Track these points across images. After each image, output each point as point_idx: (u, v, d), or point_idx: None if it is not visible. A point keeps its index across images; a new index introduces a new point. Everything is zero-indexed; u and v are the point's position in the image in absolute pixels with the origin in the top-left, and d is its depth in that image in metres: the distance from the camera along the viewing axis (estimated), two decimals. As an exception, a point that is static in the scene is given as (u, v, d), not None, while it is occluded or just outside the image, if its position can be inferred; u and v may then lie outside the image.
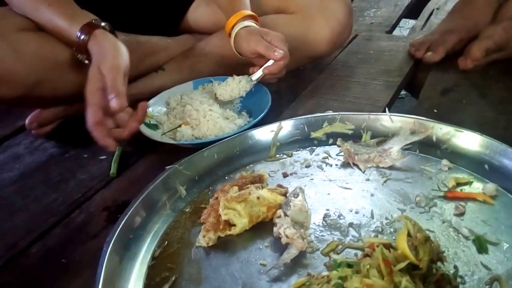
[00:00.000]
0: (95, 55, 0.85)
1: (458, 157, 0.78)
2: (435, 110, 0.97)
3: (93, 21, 0.88)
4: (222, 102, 1.04)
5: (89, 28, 0.87)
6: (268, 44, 0.96)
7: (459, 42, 1.14)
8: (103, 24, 0.89)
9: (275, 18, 1.14)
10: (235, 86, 1.02)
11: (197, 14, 1.22)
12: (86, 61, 0.88)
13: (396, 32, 1.55)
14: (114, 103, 0.78)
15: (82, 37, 0.86)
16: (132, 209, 0.71)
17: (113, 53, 0.84)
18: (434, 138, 0.81)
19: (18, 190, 0.93)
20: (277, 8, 1.16)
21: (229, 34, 1.02)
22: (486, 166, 0.74)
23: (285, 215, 0.67)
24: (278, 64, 0.96)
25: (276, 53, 0.94)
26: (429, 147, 0.81)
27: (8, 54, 0.88)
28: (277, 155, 0.86)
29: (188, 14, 1.22)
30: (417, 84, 1.14)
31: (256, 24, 1.02)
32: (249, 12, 1.02)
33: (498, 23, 1.11)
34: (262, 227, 0.69)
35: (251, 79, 1.01)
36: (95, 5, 0.98)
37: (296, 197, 0.69)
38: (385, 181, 0.76)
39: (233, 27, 1.01)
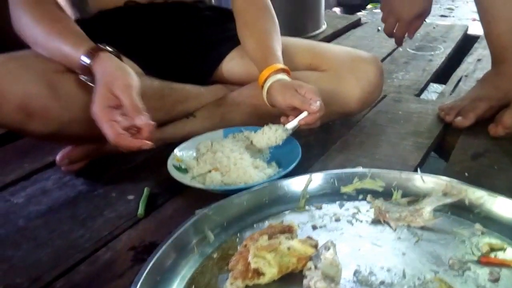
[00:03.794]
0: (100, 76, 0.87)
1: (491, 222, 0.77)
2: (466, 174, 0.97)
3: (98, 45, 0.90)
4: (254, 151, 1.05)
5: (93, 52, 0.89)
6: (303, 97, 0.97)
7: (489, 109, 1.15)
8: (108, 48, 0.91)
9: (308, 74, 1.16)
10: (271, 135, 1.02)
11: (230, 65, 1.24)
12: (91, 84, 0.89)
13: (423, 96, 1.56)
14: (140, 121, 0.80)
15: (87, 59, 0.89)
16: (160, 250, 0.71)
17: (121, 73, 0.86)
18: (466, 202, 0.80)
19: (44, 224, 0.92)
20: (310, 65, 1.18)
21: (262, 87, 1.04)
22: (520, 233, 0.73)
23: (316, 268, 0.66)
24: (314, 116, 0.97)
25: (312, 106, 0.96)
26: (461, 210, 0.80)
27: (44, 91, 0.90)
28: (306, 207, 0.86)
29: (222, 64, 1.24)
30: (447, 147, 1.14)
31: (289, 77, 1.04)
32: (282, 65, 1.04)
33: None
34: (291, 278, 0.68)
35: (286, 128, 1.02)
36: (127, 48, 1.02)
37: (328, 250, 0.68)
38: (417, 241, 0.75)
39: (266, 80, 1.03)
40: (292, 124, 1.01)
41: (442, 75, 1.70)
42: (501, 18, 1.17)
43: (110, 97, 0.84)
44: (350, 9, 4.02)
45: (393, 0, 1.27)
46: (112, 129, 0.81)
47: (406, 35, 1.28)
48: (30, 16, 0.96)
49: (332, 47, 1.27)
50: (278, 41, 1.12)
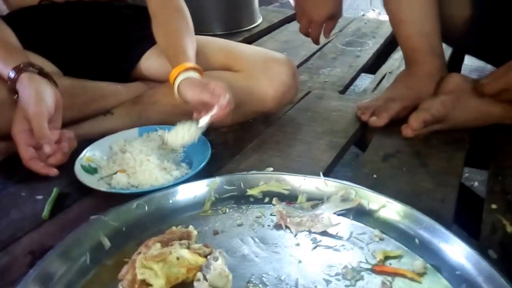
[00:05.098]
0: (20, 98, 0.91)
1: (390, 229, 0.77)
2: (374, 176, 0.97)
3: (21, 65, 0.93)
4: (167, 151, 1.03)
5: (17, 71, 0.93)
6: (212, 92, 0.96)
7: (403, 109, 1.16)
8: (30, 68, 0.94)
9: (222, 73, 1.17)
10: (185, 133, 1.00)
11: (148, 63, 1.25)
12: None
13: (349, 91, 1.57)
14: (47, 149, 0.87)
15: (12, 78, 0.93)
16: (47, 258, 0.68)
17: (35, 99, 0.90)
18: (367, 207, 0.80)
19: None
20: (223, 65, 1.20)
21: (173, 84, 1.03)
22: (417, 241, 0.74)
23: (205, 278, 0.64)
24: (224, 110, 0.96)
25: (221, 100, 0.95)
26: (362, 215, 0.80)
27: None
28: (212, 210, 0.84)
29: (141, 62, 1.25)
30: (366, 144, 1.14)
31: (200, 76, 1.03)
32: (193, 64, 1.04)
33: (438, 96, 1.14)
34: (181, 289, 0.66)
35: (199, 125, 0.99)
36: (44, 47, 1.02)
37: (216, 261, 0.66)
38: (314, 248, 0.74)
39: (176, 78, 1.02)
40: (204, 120, 0.99)
41: (369, 71, 1.72)
42: (407, 21, 1.19)
43: (24, 121, 0.90)
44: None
45: (303, 2, 1.28)
46: (26, 153, 0.89)
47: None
48: None
49: (246, 47, 1.28)
50: (191, 41, 1.12)
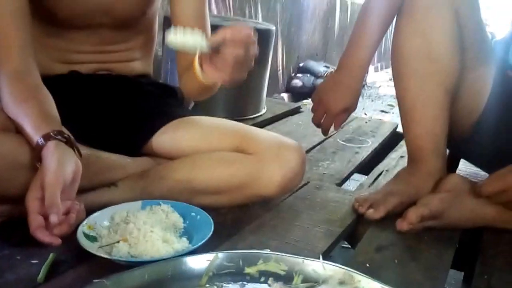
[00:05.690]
0: (42, 166, 0.93)
1: (382, 314, 0.79)
2: (367, 265, 1.00)
3: (51, 132, 0.96)
4: (168, 225, 1.05)
5: (46, 138, 0.95)
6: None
7: (400, 204, 1.21)
8: (59, 136, 0.96)
9: (232, 154, 1.20)
10: (189, 37, 0.98)
11: (162, 139, 1.26)
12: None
13: (346, 184, 1.62)
14: (53, 219, 0.87)
15: (39, 145, 0.95)
16: None
17: (54, 168, 0.91)
18: (362, 292, 0.83)
19: None
20: (237, 148, 1.22)
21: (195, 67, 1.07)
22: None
23: None
24: (243, 32, 0.97)
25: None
26: (356, 300, 0.82)
27: None
28: (207, 285, 0.86)
29: (153, 137, 1.26)
30: (357, 237, 1.18)
31: None
32: None
33: (436, 193, 1.20)
34: None
35: (206, 42, 0.97)
36: (66, 116, 1.06)
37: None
38: (306, 330, 0.76)
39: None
40: (215, 39, 0.98)
41: (366, 167, 1.78)
42: (419, 121, 1.27)
43: (39, 189, 0.90)
44: (297, 96, 4.21)
45: (323, 94, 1.36)
46: (34, 221, 0.88)
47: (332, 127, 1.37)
48: (7, 91, 1.06)
49: (260, 132, 1.31)
50: None
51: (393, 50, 1.31)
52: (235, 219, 1.19)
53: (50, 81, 1.15)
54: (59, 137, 0.97)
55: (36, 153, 0.96)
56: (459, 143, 1.41)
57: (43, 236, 0.87)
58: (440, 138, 1.27)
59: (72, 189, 0.96)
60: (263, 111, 2.30)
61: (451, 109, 1.28)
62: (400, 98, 1.32)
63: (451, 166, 1.64)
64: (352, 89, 1.36)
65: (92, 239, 1.00)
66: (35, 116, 1.01)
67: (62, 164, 0.93)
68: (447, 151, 1.34)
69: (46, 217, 0.88)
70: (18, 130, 1.02)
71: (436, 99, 1.26)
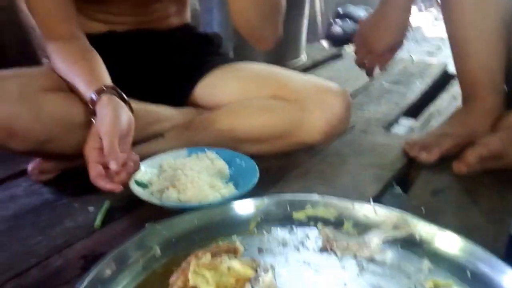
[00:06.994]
0: (97, 118, 0.95)
1: (440, 259, 0.74)
2: (423, 209, 0.95)
3: (103, 87, 0.98)
4: (214, 171, 1.04)
5: (98, 93, 0.97)
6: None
7: (455, 146, 1.14)
8: (112, 91, 0.98)
9: (272, 102, 1.16)
10: None
11: (202, 90, 1.26)
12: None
13: (393, 129, 1.55)
14: (113, 166, 0.87)
15: (93, 100, 0.97)
16: (104, 261, 0.70)
17: (110, 118, 0.93)
18: (417, 237, 0.78)
19: (7, 229, 0.96)
20: (274, 96, 1.17)
21: None
22: (468, 273, 0.71)
23: (253, 290, 0.63)
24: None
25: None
26: (411, 245, 0.78)
27: (26, 112, 0.96)
28: (257, 229, 0.84)
29: (195, 89, 1.26)
30: (409, 182, 1.12)
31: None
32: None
33: (495, 133, 1.12)
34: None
35: None
36: (111, 73, 1.06)
37: (266, 273, 0.65)
38: (360, 272, 0.73)
39: None
40: None
41: (415, 110, 1.70)
42: (472, 54, 1.18)
43: (97, 139, 0.91)
44: (338, 43, 4.07)
45: (366, 31, 1.27)
46: (94, 170, 0.89)
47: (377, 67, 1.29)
48: (57, 57, 1.08)
49: (299, 77, 1.23)
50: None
51: None
52: (279, 166, 1.16)
53: (91, 40, 1.14)
54: (112, 91, 0.99)
55: (91, 108, 0.98)
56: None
57: (104, 183, 0.88)
58: (497, 72, 1.17)
59: (128, 141, 0.97)
60: (303, 57, 2.22)
61: (509, 42, 1.18)
62: (451, 30, 1.22)
63: (510, 103, 1.54)
64: (398, 23, 1.22)
65: (144, 186, 1.01)
66: (86, 74, 1.03)
67: (117, 115, 0.94)
68: (505, 88, 1.24)
69: (105, 166, 0.89)
70: (71, 90, 1.05)
71: (491, 31, 1.16)
